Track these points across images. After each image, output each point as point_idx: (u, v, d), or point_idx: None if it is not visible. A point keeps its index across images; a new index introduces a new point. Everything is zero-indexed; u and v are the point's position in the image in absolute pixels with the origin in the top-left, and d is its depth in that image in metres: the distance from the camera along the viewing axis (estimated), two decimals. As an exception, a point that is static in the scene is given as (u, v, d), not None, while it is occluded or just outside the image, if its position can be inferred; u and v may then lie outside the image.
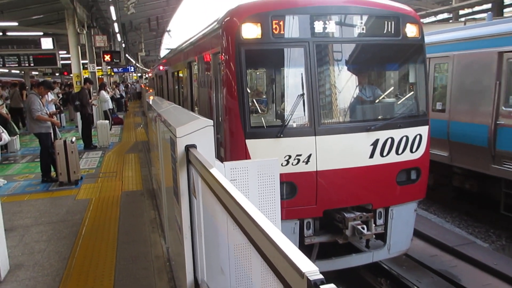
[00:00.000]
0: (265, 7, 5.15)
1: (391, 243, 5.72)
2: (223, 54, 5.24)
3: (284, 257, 1.18)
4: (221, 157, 5.37)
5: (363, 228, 5.14)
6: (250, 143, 5.04)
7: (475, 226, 9.09)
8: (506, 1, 22.75)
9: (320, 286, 1.01)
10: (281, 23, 5.05)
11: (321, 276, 1.04)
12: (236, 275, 2.77)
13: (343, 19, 5.33)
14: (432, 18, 28.03)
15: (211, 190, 2.18)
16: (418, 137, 5.64)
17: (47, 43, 15.84)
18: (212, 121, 3.01)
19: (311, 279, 1.03)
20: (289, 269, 1.15)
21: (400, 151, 5.52)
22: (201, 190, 2.72)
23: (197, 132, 2.92)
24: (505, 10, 23.25)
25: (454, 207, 10.24)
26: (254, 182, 3.08)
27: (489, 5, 23.07)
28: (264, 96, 5.91)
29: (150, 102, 7.16)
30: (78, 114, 14.04)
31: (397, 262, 6.63)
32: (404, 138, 5.54)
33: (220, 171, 2.48)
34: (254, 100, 5.56)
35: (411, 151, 5.61)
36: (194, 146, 2.87)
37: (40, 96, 9.02)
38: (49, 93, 12.83)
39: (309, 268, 1.08)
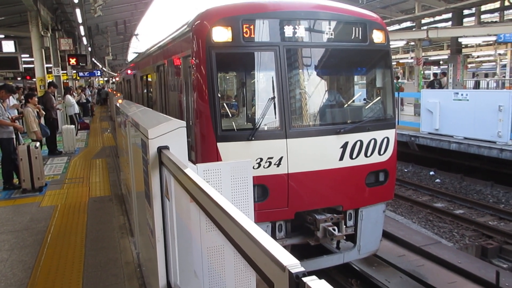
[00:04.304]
0: (236, 11, 5.17)
1: (361, 244, 5.81)
2: (194, 57, 5.21)
3: (265, 252, 1.16)
4: (192, 161, 5.32)
5: (334, 230, 5.20)
6: (222, 146, 5.02)
7: (440, 227, 9.40)
8: (466, 11, 23.76)
9: (302, 279, 1.01)
10: (252, 27, 5.07)
11: (302, 269, 1.04)
12: (209, 277, 2.74)
13: (312, 24, 5.41)
14: (396, 26, 29.01)
15: (185, 190, 2.15)
16: (385, 140, 5.77)
17: (8, 46, 15.20)
18: (184, 122, 2.98)
19: (292, 272, 1.03)
20: (270, 264, 1.13)
21: (368, 154, 5.64)
22: (174, 192, 2.68)
23: (169, 134, 2.88)
24: (464, 20, 24.27)
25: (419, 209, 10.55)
26: (227, 184, 3.05)
27: (449, 15, 24.04)
28: (234, 100, 5.90)
29: (119, 106, 7.01)
30: (42, 118, 13.57)
31: (367, 262, 6.75)
32: (373, 141, 5.65)
33: (193, 173, 2.45)
34: (225, 103, 5.55)
35: (379, 153, 5.73)
36: (166, 147, 2.82)
37: (1, 100, 8.68)
38: (10, 98, 12.34)
39: (290, 261, 1.08)
